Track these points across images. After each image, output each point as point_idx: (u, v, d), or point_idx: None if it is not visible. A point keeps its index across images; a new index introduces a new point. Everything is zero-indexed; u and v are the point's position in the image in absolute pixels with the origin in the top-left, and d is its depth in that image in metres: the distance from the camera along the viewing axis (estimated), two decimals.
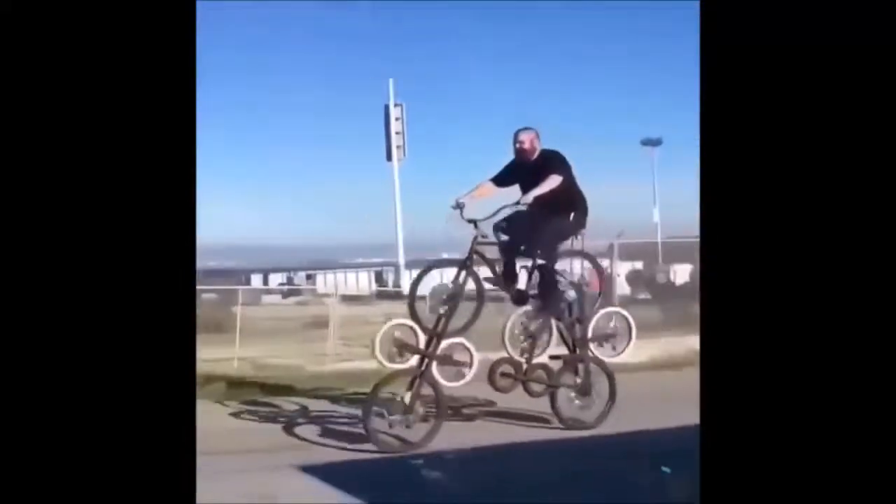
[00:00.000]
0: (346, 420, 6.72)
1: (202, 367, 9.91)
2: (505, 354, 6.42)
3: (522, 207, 6.04)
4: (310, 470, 5.17)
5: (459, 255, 6.15)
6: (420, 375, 5.85)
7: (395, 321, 6.15)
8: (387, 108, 18.25)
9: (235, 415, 7.27)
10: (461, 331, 6.04)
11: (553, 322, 6.46)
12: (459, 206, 6.05)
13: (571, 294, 6.38)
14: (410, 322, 5.99)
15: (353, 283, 35.04)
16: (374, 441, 5.71)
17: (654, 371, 9.01)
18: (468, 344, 6.05)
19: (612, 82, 54.87)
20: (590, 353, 6.48)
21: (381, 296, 21.60)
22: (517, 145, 6.23)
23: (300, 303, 21.55)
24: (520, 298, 6.31)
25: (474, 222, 6.05)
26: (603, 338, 6.54)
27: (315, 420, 6.86)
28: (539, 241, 6.17)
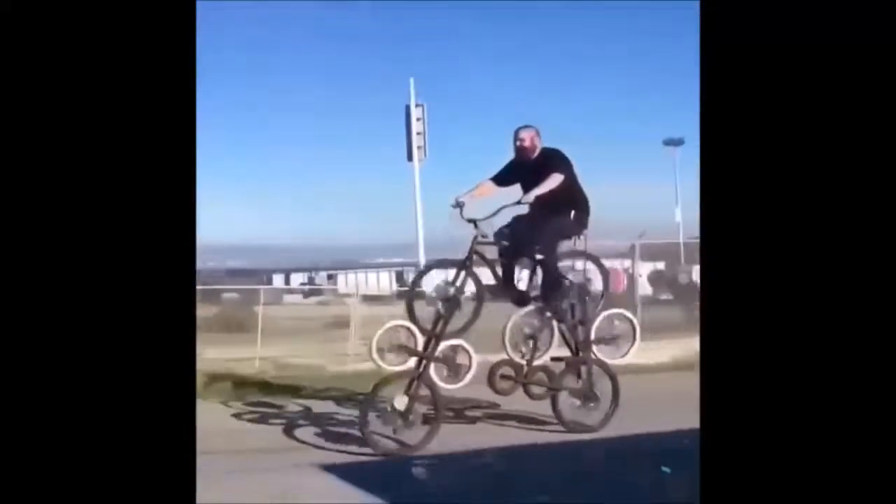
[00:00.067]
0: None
1: (224, 366, 10.03)
2: (504, 356, 6.33)
3: (523, 206, 5.95)
4: (331, 469, 5.16)
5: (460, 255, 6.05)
6: (418, 377, 5.78)
7: (393, 322, 6.08)
8: (408, 108, 18.14)
9: (256, 415, 7.25)
10: (460, 332, 5.95)
11: (555, 324, 6.35)
12: (459, 206, 5.97)
13: (574, 295, 6.27)
14: (409, 323, 5.91)
15: (374, 283, 35.29)
16: (370, 443, 5.65)
17: (676, 372, 8.93)
18: (467, 345, 5.96)
19: (635, 82, 54.64)
20: (592, 356, 6.35)
21: (402, 296, 21.50)
22: (517, 143, 6.15)
23: (321, 303, 21.72)
24: (521, 299, 6.22)
25: (474, 222, 5.97)
26: (606, 340, 6.41)
27: (336, 421, 6.82)
28: (540, 239, 6.08)
